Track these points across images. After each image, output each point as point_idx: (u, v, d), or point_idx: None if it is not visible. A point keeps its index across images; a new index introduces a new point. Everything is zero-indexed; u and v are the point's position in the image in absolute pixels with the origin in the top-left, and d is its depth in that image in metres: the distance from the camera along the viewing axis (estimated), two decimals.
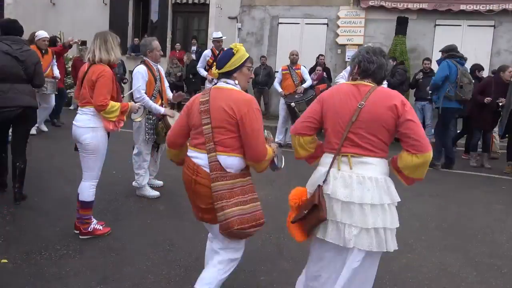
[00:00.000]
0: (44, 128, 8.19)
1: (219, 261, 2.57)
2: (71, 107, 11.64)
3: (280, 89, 8.38)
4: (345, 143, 2.27)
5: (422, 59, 9.97)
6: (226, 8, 13.29)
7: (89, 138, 3.56)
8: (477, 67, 8.81)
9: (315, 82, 9.65)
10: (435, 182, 6.33)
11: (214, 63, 8.42)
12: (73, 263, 3.26)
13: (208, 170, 2.43)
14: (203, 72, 8.36)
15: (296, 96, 8.04)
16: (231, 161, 2.44)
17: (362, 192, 2.21)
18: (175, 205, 4.66)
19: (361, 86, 2.34)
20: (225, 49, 9.06)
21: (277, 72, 8.64)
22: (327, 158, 2.37)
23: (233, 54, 2.58)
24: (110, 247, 3.57)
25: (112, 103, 3.55)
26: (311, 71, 10.42)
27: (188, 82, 12.13)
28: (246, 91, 2.67)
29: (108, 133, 3.82)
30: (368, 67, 2.37)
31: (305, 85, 8.30)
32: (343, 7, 12.32)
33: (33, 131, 7.61)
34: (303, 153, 2.54)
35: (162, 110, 4.60)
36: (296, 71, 8.40)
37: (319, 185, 2.31)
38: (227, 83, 2.58)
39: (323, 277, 2.42)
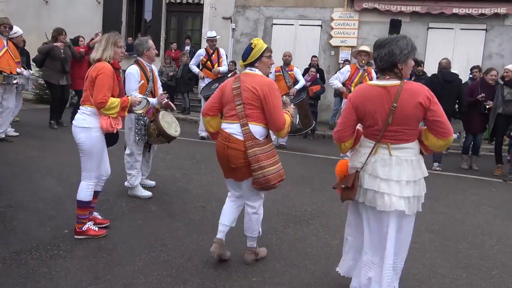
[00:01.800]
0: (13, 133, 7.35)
1: (252, 212, 3.31)
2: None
3: None
4: (383, 137, 2.62)
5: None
6: (220, 8, 13.29)
7: (82, 138, 3.54)
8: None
9: (308, 83, 9.66)
10: (427, 184, 6.36)
11: (208, 62, 8.43)
12: (63, 263, 3.24)
13: (238, 137, 3.11)
14: (196, 69, 8.37)
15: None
16: (257, 129, 3.12)
17: (400, 171, 2.58)
18: (167, 206, 4.65)
19: (389, 87, 2.58)
20: (220, 48, 9.07)
21: (271, 73, 8.64)
22: (367, 143, 2.72)
23: (252, 49, 3.20)
24: (101, 247, 3.55)
25: (111, 99, 3.52)
26: (305, 72, 10.44)
27: (181, 82, 12.01)
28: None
29: (117, 135, 3.77)
30: (376, 65, 2.70)
31: (297, 86, 8.28)
32: (337, 9, 12.38)
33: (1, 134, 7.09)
34: (346, 150, 2.89)
35: (154, 101, 4.58)
36: (289, 72, 8.40)
37: (357, 171, 2.70)
38: (251, 70, 3.24)
39: (359, 238, 2.90)
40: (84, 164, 3.64)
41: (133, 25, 14.79)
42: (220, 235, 3.34)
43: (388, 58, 2.58)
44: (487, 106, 7.33)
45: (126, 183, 4.86)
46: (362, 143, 2.77)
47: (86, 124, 3.55)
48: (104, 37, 3.68)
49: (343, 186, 2.74)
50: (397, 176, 2.58)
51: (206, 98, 8.06)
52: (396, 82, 2.58)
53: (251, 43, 3.22)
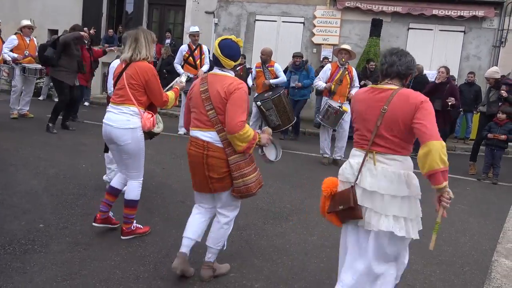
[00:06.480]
0: None
1: (225, 222, 3.07)
2: (40, 98, 11.33)
3: (251, 83, 8.37)
4: (372, 144, 2.50)
5: None
6: (203, 2, 13.19)
7: (129, 139, 3.45)
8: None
9: None
10: None
11: (190, 58, 8.36)
12: (38, 258, 3.18)
13: (218, 145, 2.87)
14: (180, 69, 8.25)
15: (266, 95, 8.03)
16: None
17: (386, 183, 2.43)
18: (146, 201, 4.61)
19: (385, 90, 2.51)
20: (203, 45, 8.85)
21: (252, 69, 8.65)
22: (356, 152, 2.60)
23: (239, 48, 3.01)
24: (77, 242, 3.50)
25: (169, 94, 3.68)
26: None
27: (160, 77, 11.83)
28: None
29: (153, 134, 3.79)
30: (381, 68, 2.60)
31: (273, 81, 8.08)
32: (319, 6, 12.43)
33: None
34: None
35: None
36: (269, 68, 8.37)
37: (352, 186, 2.51)
38: (223, 70, 2.97)
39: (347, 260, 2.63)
40: (132, 165, 3.58)
41: (114, 17, 14.53)
42: (184, 249, 3.08)
43: (410, 66, 2.55)
44: (450, 103, 7.56)
45: (104, 177, 4.80)
46: (352, 153, 2.64)
47: (132, 125, 3.45)
48: (140, 35, 3.49)
49: (341, 207, 2.50)
50: (383, 189, 2.42)
51: (186, 93, 7.99)
52: (394, 87, 2.51)
53: (236, 41, 2.98)
